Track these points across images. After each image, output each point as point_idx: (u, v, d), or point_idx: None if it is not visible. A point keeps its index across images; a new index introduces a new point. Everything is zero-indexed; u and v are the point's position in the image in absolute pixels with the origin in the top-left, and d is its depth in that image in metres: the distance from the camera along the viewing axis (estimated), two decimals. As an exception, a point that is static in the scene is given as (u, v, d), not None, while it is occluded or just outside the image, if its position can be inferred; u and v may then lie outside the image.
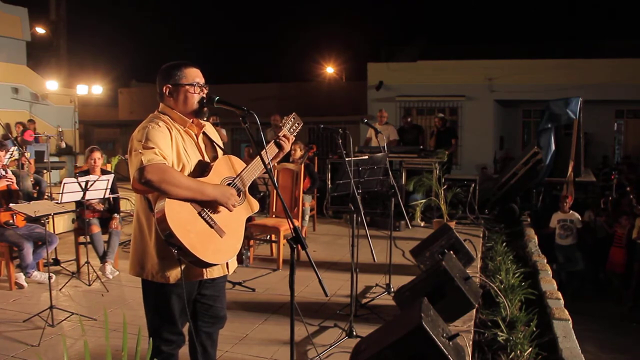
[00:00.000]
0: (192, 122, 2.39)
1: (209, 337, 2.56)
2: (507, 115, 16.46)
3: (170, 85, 2.33)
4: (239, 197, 2.35)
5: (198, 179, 2.25)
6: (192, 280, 2.34)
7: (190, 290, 2.37)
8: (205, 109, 2.37)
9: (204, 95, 2.36)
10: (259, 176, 2.51)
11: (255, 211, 2.51)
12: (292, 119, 2.61)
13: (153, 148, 2.15)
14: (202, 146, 2.43)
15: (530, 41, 19.85)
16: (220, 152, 2.49)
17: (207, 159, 2.40)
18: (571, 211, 8.50)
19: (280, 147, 2.50)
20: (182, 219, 2.14)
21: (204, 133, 2.45)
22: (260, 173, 2.43)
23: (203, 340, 2.54)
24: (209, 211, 2.24)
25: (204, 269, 2.33)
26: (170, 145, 2.24)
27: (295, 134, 2.61)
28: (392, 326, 2.88)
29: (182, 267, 2.24)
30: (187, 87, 2.32)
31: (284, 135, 2.52)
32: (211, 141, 2.49)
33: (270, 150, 2.48)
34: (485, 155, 14.43)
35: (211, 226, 2.23)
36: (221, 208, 2.27)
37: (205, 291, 2.47)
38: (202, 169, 2.32)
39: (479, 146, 14.17)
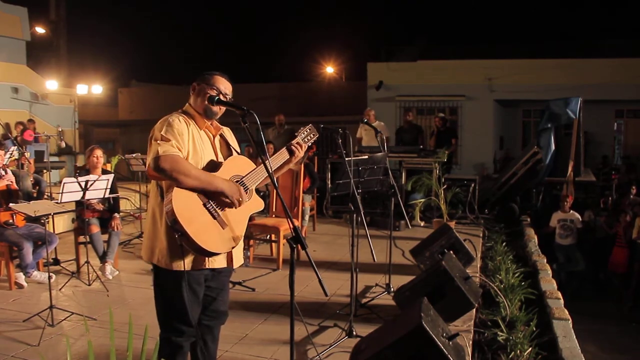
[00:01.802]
0: (212, 124, 2.53)
1: (209, 331, 2.62)
2: (507, 115, 16.46)
3: (196, 83, 2.52)
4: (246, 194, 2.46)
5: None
6: (194, 268, 2.41)
7: (199, 280, 2.45)
8: (216, 110, 2.47)
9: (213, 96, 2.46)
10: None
11: (260, 209, 2.59)
12: (308, 130, 2.73)
13: (170, 140, 2.32)
14: (217, 147, 2.56)
15: (530, 41, 19.85)
16: (235, 155, 2.59)
17: (220, 159, 2.52)
18: (571, 211, 8.50)
19: (292, 152, 2.61)
20: (187, 208, 2.28)
21: (221, 136, 2.60)
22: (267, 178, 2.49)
23: (203, 332, 2.59)
24: (214, 203, 2.36)
25: (206, 258, 2.41)
26: (187, 139, 2.39)
27: (309, 143, 2.71)
28: (392, 326, 2.88)
29: (186, 254, 2.34)
30: (207, 87, 2.47)
31: (298, 143, 2.63)
32: (227, 144, 2.61)
33: (282, 156, 2.60)
34: (485, 155, 14.43)
35: (214, 217, 2.35)
36: (226, 202, 2.38)
37: (210, 283, 2.53)
38: (213, 167, 2.44)
39: (479, 146, 14.17)
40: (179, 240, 2.27)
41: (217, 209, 2.36)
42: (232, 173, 2.45)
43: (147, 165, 2.34)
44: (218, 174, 2.39)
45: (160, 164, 2.25)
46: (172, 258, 2.36)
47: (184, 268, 2.34)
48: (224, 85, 2.50)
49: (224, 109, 2.50)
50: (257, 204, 2.55)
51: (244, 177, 2.47)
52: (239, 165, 2.51)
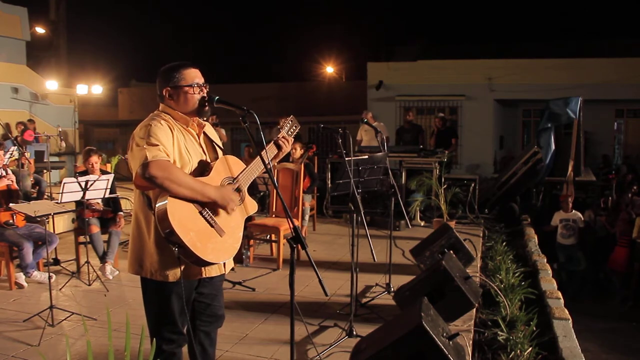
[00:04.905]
0: (194, 121, 2.41)
1: (207, 336, 2.57)
2: (507, 115, 16.46)
3: (169, 88, 2.35)
4: (239, 197, 2.38)
5: (199, 178, 2.26)
6: (190, 279, 2.35)
7: (189, 290, 2.38)
8: (207, 107, 2.38)
9: (204, 95, 2.38)
10: (259, 176, 2.53)
11: (254, 212, 2.52)
12: (290, 122, 2.65)
13: (157, 145, 2.16)
14: (204, 145, 2.45)
15: (530, 41, 19.85)
16: (220, 152, 2.51)
17: (208, 158, 2.41)
18: (574, 211, 8.49)
19: (279, 147, 2.54)
20: (183, 218, 2.15)
21: (204, 133, 2.47)
22: (259, 172, 2.45)
23: (201, 339, 2.55)
24: (209, 210, 2.25)
25: (203, 268, 2.34)
26: (172, 143, 2.26)
27: (292, 136, 2.65)
28: (392, 326, 2.88)
29: (182, 265, 2.24)
30: (187, 88, 2.34)
31: (283, 137, 2.56)
32: (211, 142, 2.50)
33: (270, 151, 2.52)
34: (485, 155, 14.43)
35: (212, 225, 2.25)
36: (220, 209, 2.30)
37: (202, 290, 2.48)
38: (202, 169, 2.34)
39: (479, 146, 14.17)
40: (177, 253, 2.15)
41: (213, 216, 2.26)
42: (223, 175, 2.36)
43: (133, 174, 2.16)
44: (209, 177, 2.29)
45: (150, 171, 2.08)
46: (167, 270, 2.26)
47: (181, 279, 2.25)
48: (199, 77, 2.36)
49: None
50: (252, 206, 2.49)
51: (235, 178, 2.38)
52: (229, 166, 2.41)
